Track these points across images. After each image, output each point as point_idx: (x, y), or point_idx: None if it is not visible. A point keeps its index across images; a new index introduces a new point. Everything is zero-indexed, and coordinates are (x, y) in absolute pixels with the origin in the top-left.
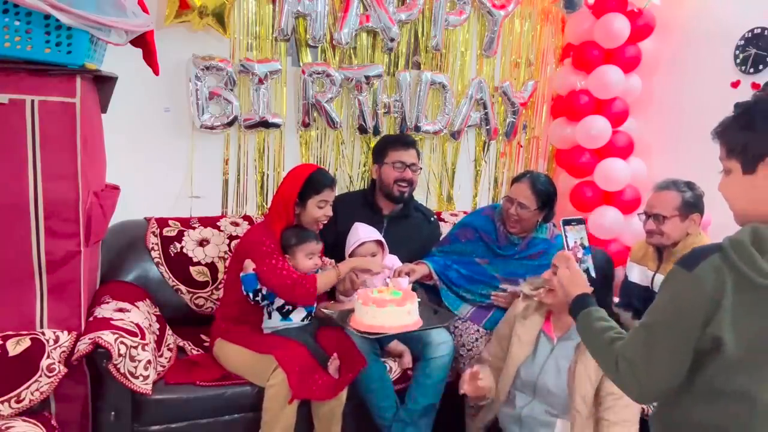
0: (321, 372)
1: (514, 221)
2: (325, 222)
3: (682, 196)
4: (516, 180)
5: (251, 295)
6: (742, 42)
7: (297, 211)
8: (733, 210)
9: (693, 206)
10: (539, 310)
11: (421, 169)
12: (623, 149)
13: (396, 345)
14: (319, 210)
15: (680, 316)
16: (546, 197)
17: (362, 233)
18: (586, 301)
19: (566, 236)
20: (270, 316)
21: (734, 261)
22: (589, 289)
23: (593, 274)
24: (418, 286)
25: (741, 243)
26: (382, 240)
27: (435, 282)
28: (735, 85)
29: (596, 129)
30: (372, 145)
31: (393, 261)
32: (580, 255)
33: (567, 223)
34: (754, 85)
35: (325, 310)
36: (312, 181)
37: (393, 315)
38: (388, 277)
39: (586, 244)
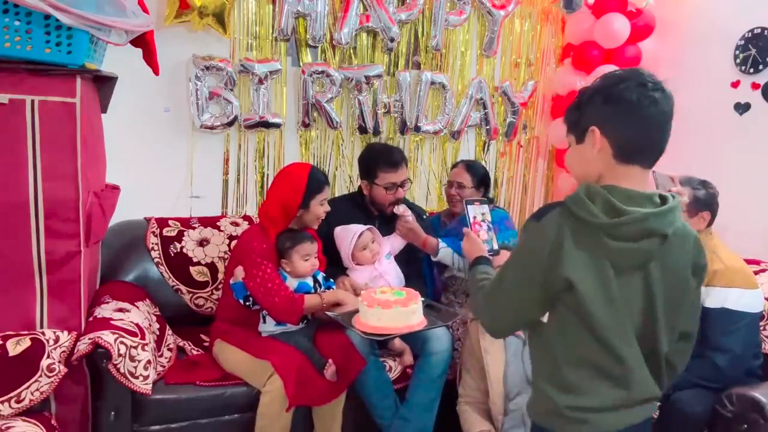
0: (318, 377)
1: (456, 201)
2: (323, 218)
3: (694, 193)
4: (452, 167)
5: (242, 301)
6: (742, 42)
7: (299, 213)
8: (574, 176)
9: (704, 204)
10: None
11: (411, 182)
12: None
13: (397, 343)
14: (321, 207)
15: (528, 257)
16: (481, 176)
17: (355, 227)
18: (478, 261)
19: (468, 213)
20: (264, 320)
21: (573, 210)
22: (484, 253)
23: (495, 247)
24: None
25: (577, 196)
26: (373, 228)
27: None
28: (735, 85)
29: None
30: None
31: (392, 240)
32: (484, 230)
33: (469, 202)
34: (754, 85)
35: (329, 313)
36: (312, 181)
37: (399, 316)
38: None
39: (489, 219)
